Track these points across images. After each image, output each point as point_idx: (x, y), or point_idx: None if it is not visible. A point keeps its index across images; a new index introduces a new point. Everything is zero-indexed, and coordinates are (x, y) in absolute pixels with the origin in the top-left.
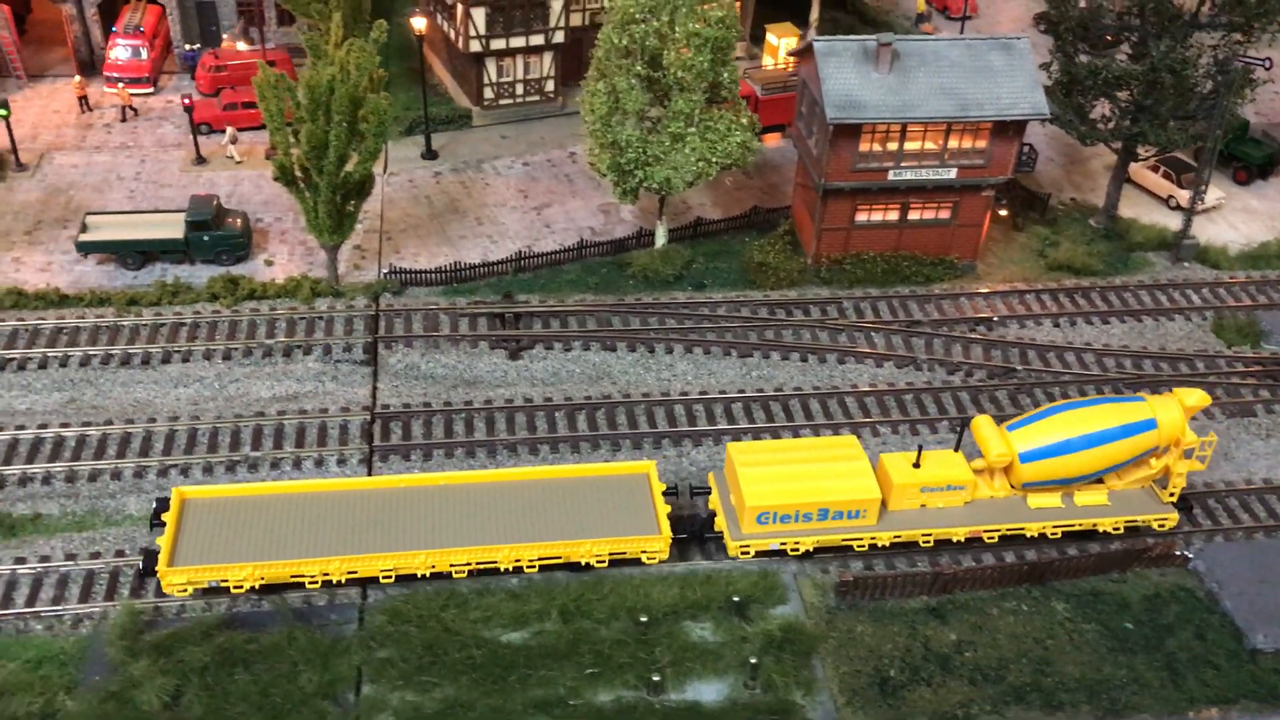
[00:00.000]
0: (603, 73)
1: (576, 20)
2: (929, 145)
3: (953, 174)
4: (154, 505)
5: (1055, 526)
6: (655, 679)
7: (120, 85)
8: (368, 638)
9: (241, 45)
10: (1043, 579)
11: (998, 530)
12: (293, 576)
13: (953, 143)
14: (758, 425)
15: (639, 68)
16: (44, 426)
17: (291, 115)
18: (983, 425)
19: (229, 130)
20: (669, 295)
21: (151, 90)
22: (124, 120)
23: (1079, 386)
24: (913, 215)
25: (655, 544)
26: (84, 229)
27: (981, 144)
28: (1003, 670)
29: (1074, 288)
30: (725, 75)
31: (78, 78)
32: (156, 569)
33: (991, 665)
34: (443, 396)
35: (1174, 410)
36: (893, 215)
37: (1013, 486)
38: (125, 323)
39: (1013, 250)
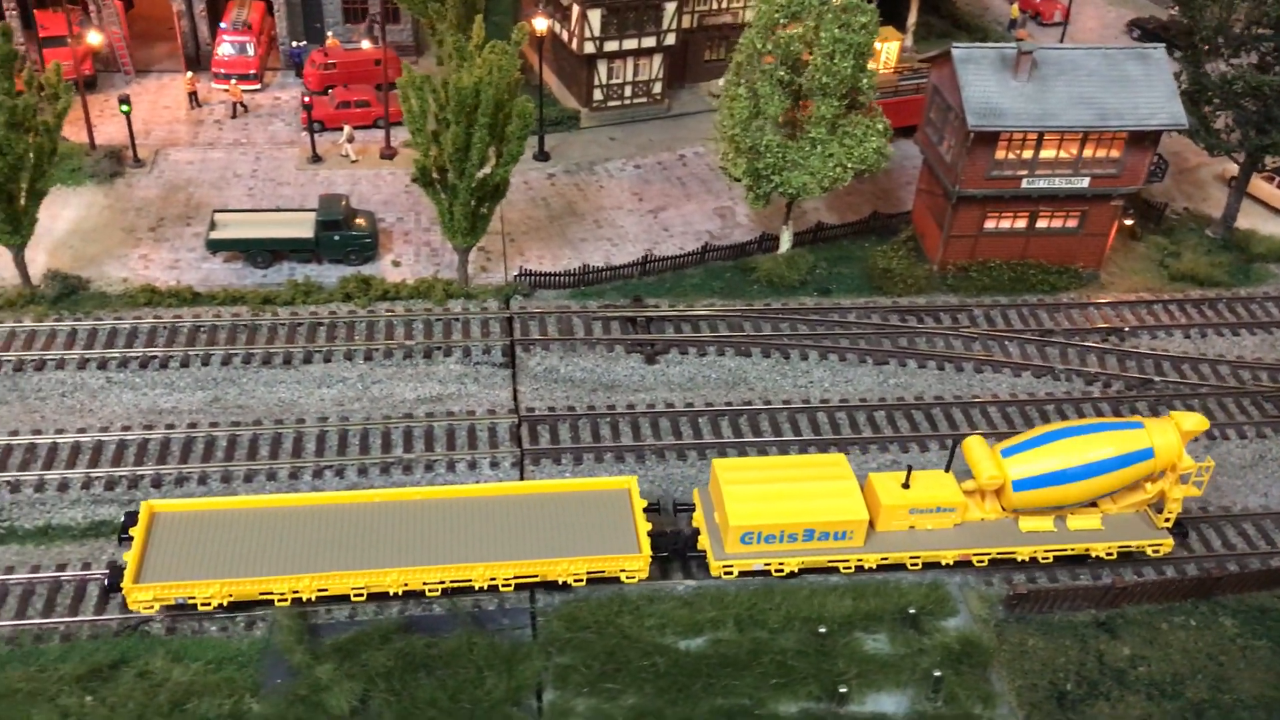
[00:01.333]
0: (742, 77)
1: (685, 23)
2: (1063, 154)
3: (1085, 183)
4: (122, 518)
5: (1047, 551)
6: (842, 690)
7: (233, 81)
8: (546, 643)
9: (365, 44)
10: (1209, 594)
11: (987, 554)
12: (261, 594)
13: (1087, 152)
14: (902, 435)
15: (781, 72)
16: (193, 426)
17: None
18: (974, 446)
19: (346, 129)
20: (796, 301)
21: (259, 87)
22: (234, 116)
23: (1218, 399)
24: (1040, 224)
25: (635, 563)
26: (213, 227)
27: (1115, 154)
28: (1179, 686)
29: (1200, 299)
30: (864, 81)
31: (189, 73)
32: (121, 585)
33: (1167, 681)
34: (584, 400)
35: (1170, 434)
36: (1020, 223)
37: (1004, 509)
38: (262, 322)
39: (1133, 260)
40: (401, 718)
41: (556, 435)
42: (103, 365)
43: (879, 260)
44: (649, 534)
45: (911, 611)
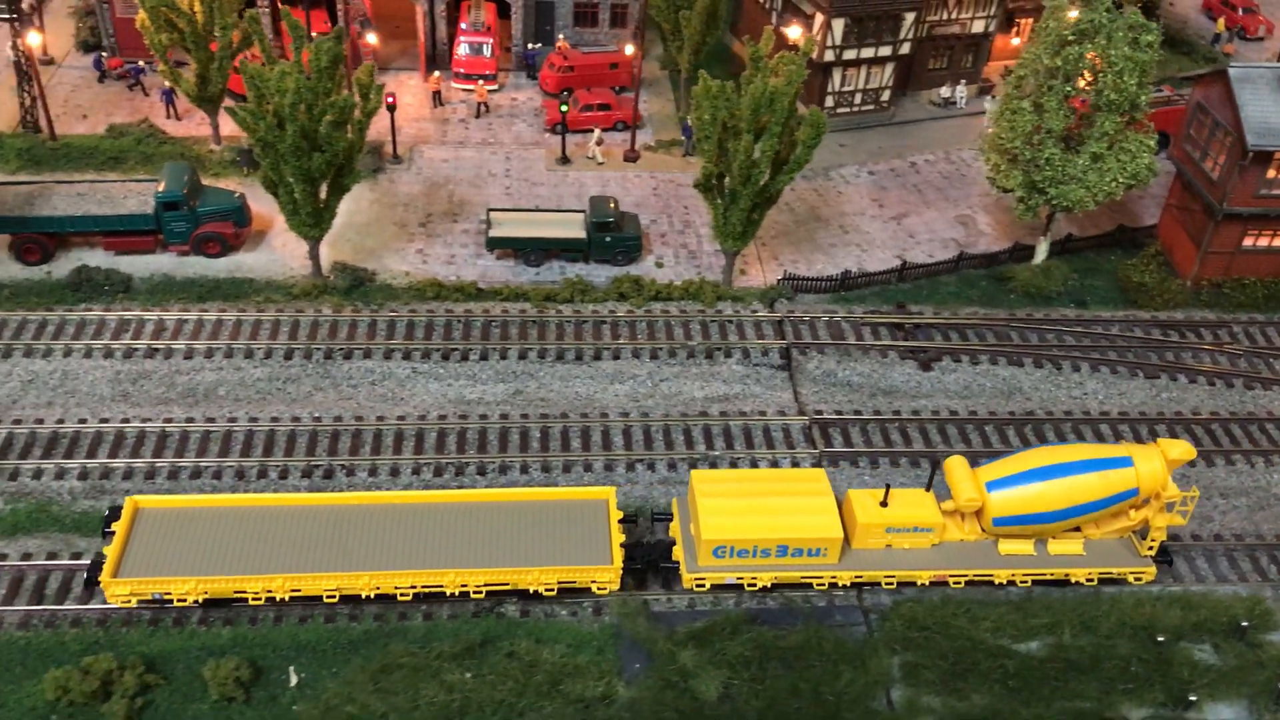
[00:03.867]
0: (1025, 92)
1: (915, 32)
2: None
3: None
4: (105, 513)
5: (1025, 575)
6: (1192, 699)
7: (479, 82)
8: (889, 641)
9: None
10: None
11: (964, 576)
12: (236, 593)
13: None
14: None
15: (1068, 88)
16: (505, 417)
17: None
18: (955, 466)
19: (596, 131)
20: (1057, 312)
21: (497, 87)
22: (478, 116)
23: None
24: None
25: (606, 574)
26: (490, 225)
27: None
28: None
29: None
30: (1143, 97)
31: (436, 73)
32: (100, 579)
33: None
34: (867, 405)
35: (1156, 461)
36: (1278, 242)
37: (984, 531)
38: (549, 318)
39: None
40: (767, 705)
41: (849, 438)
42: (406, 356)
43: (1132, 274)
44: (624, 545)
45: (1244, 624)
